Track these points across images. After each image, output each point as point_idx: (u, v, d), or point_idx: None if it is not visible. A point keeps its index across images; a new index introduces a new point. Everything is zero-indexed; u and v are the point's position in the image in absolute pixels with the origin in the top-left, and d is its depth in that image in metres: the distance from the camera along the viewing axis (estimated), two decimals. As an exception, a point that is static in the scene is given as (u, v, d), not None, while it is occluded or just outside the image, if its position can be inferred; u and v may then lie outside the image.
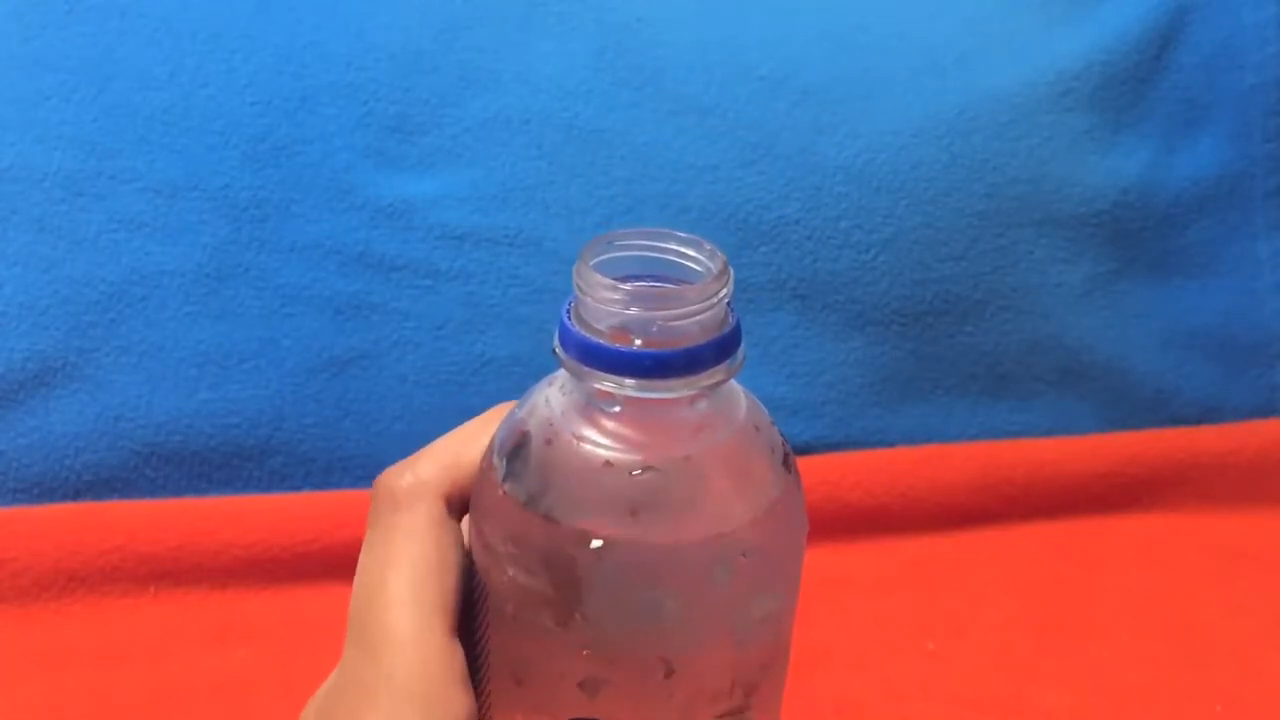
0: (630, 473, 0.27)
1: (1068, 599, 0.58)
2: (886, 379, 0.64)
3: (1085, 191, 0.65)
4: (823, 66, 0.64)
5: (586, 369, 0.26)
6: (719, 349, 0.27)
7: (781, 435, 0.30)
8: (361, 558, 0.30)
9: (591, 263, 0.27)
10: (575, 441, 0.27)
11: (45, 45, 0.60)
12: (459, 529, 0.30)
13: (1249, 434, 0.65)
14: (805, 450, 0.63)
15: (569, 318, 0.27)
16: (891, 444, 0.64)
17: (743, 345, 0.27)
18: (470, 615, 0.30)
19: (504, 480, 0.28)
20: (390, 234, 0.61)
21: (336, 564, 0.56)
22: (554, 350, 0.27)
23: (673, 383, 0.26)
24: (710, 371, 0.26)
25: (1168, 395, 0.67)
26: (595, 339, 0.26)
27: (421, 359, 0.61)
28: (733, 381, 0.28)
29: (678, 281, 0.27)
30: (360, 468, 0.61)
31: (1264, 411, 0.67)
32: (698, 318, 0.26)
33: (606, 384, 0.26)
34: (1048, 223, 0.65)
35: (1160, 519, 0.63)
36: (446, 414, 0.61)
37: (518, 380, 0.62)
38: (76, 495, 0.58)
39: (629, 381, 0.26)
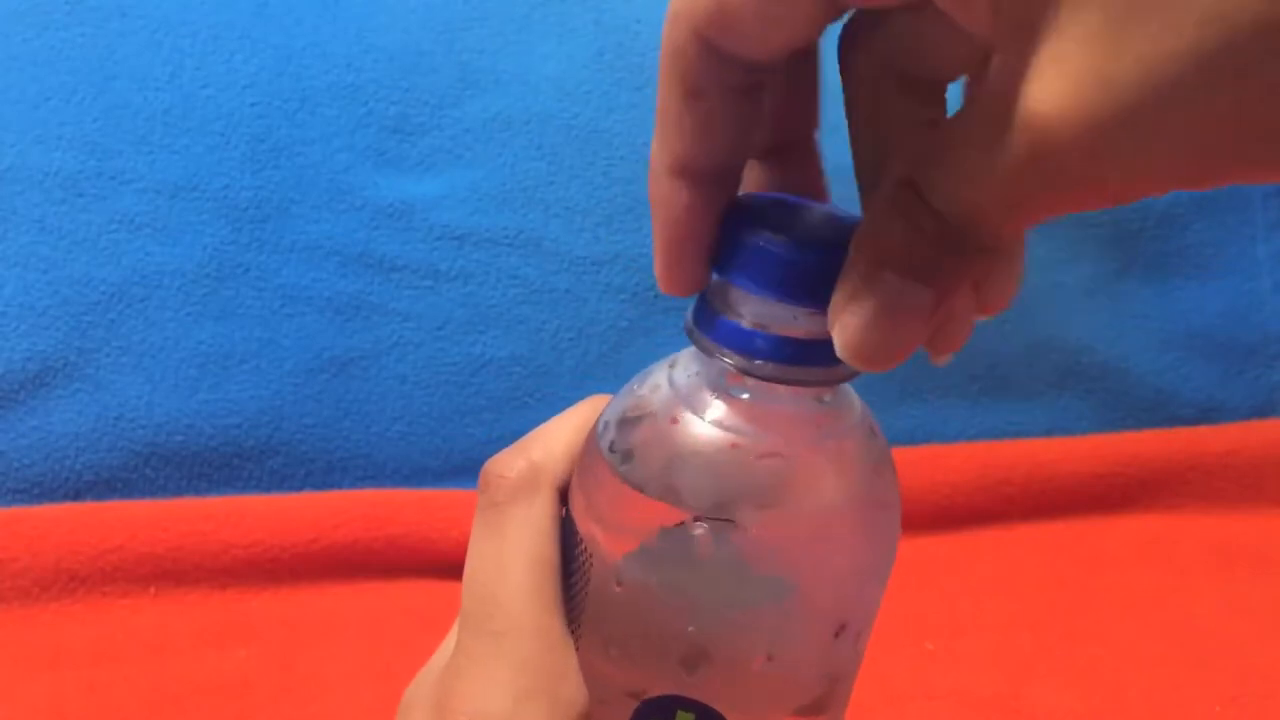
0: (756, 457, 0.27)
1: (1067, 599, 0.58)
2: (886, 379, 0.64)
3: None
4: (822, 68, 0.64)
5: (724, 351, 0.26)
6: None
7: (884, 439, 0.30)
8: (474, 544, 0.30)
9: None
10: (702, 422, 0.27)
11: (46, 46, 0.60)
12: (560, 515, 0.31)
13: (1248, 434, 0.65)
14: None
15: (707, 299, 0.27)
16: (891, 444, 0.64)
17: None
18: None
19: (623, 457, 0.28)
20: (390, 234, 0.61)
21: (336, 564, 0.56)
22: (687, 329, 0.27)
23: (808, 373, 0.26)
24: (843, 367, 0.26)
25: (1167, 395, 0.67)
26: (737, 322, 0.26)
27: (421, 359, 0.61)
28: (848, 388, 0.28)
29: None
30: (360, 468, 0.61)
31: (1263, 412, 0.67)
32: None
33: (742, 367, 0.26)
34: (1047, 223, 0.65)
35: (1159, 519, 0.63)
36: (446, 414, 0.61)
37: (517, 380, 0.62)
38: (77, 495, 0.58)
39: (766, 367, 0.26)
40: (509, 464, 0.30)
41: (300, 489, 0.60)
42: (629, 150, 0.62)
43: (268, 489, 0.60)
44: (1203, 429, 0.66)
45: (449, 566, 0.57)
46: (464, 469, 0.62)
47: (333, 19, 0.62)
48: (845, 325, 0.22)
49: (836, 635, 0.28)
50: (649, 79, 0.63)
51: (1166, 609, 0.58)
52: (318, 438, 0.60)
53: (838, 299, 0.22)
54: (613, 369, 0.62)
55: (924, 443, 0.64)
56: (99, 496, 0.58)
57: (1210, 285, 0.67)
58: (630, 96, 0.63)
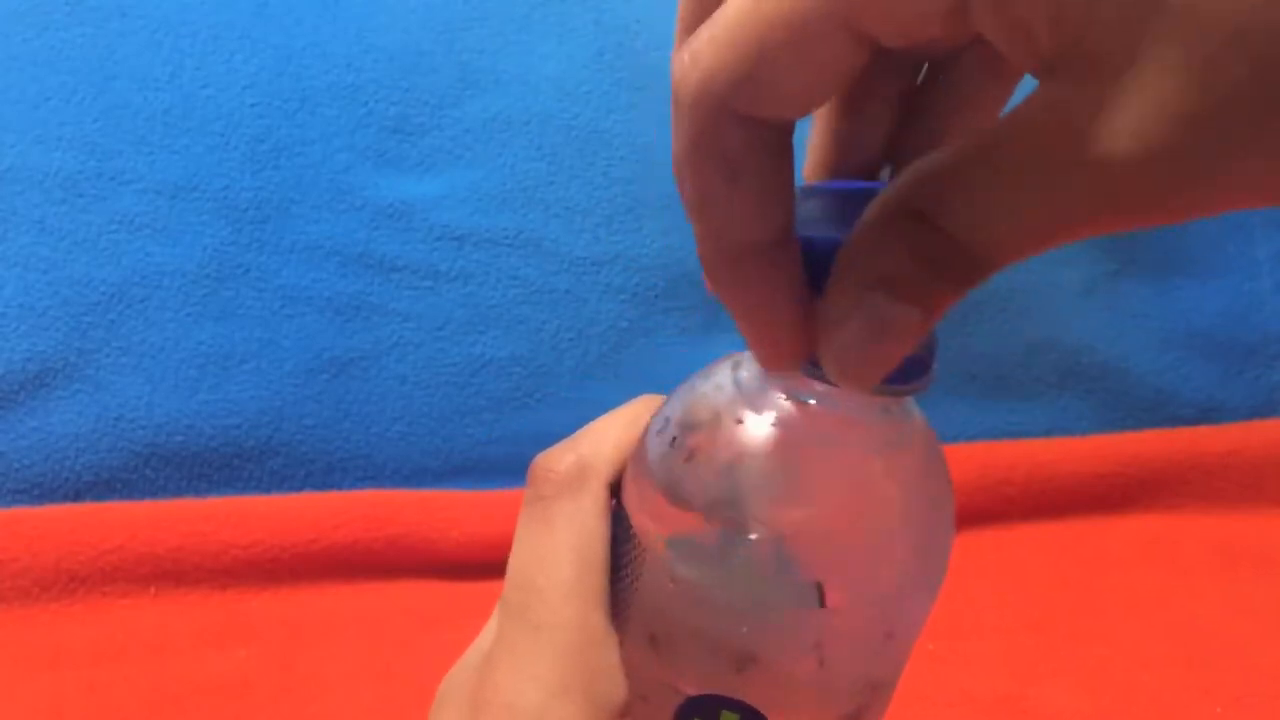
0: (817, 462, 0.27)
1: (1068, 599, 0.58)
2: (886, 379, 0.64)
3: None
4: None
5: None
6: (922, 360, 0.27)
7: (940, 450, 0.30)
8: (520, 535, 0.30)
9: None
10: (765, 425, 0.27)
11: (46, 46, 0.60)
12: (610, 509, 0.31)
13: (1248, 434, 0.65)
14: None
15: None
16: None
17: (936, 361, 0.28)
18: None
19: (683, 454, 0.28)
20: (390, 235, 0.61)
21: (336, 564, 0.56)
22: None
23: (880, 385, 0.26)
24: (913, 381, 0.27)
25: (1167, 395, 0.67)
26: None
27: (421, 359, 0.61)
28: (912, 400, 0.29)
29: None
30: (360, 468, 0.61)
31: (1263, 411, 0.67)
32: None
33: (809, 372, 0.25)
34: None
35: (1159, 519, 0.63)
36: (446, 414, 0.61)
37: (517, 381, 0.62)
38: (77, 496, 0.58)
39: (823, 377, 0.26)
40: (558, 459, 0.30)
41: (300, 489, 0.60)
42: (629, 151, 0.62)
43: (268, 489, 0.60)
44: (1203, 429, 0.66)
45: (449, 567, 0.57)
46: (464, 469, 0.62)
47: (333, 19, 0.62)
48: (834, 346, 0.22)
49: (884, 643, 0.29)
50: (649, 79, 0.63)
51: (1168, 609, 0.58)
52: (318, 438, 0.60)
53: (826, 318, 0.22)
54: (613, 369, 0.62)
55: (924, 443, 0.64)
56: (99, 497, 0.58)
57: (1210, 285, 0.67)
58: (630, 97, 0.63)
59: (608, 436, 0.31)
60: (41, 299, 0.58)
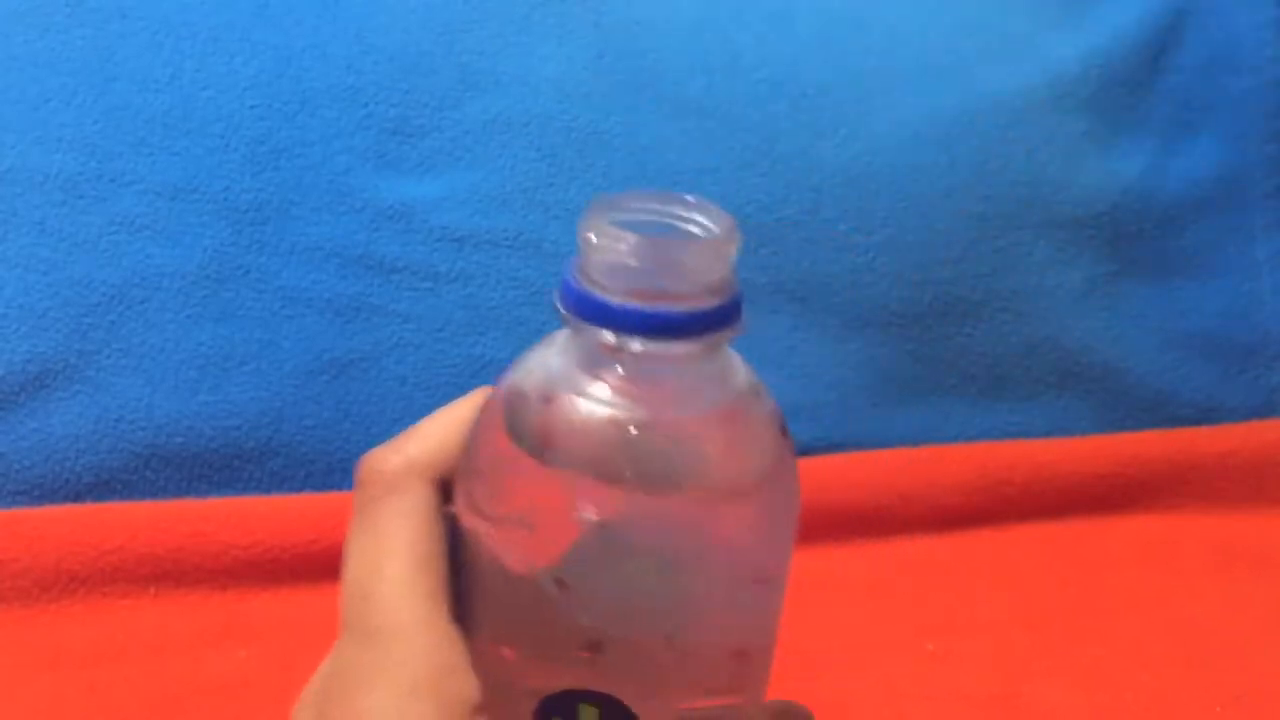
0: (632, 430, 0.26)
1: (1067, 599, 0.58)
2: (886, 380, 0.64)
3: (1084, 193, 0.65)
4: (821, 69, 0.64)
5: (590, 325, 0.26)
6: (727, 310, 0.26)
7: (776, 404, 0.29)
8: (350, 543, 0.29)
9: (598, 218, 0.27)
10: (576, 399, 0.26)
11: (46, 48, 0.60)
12: (445, 512, 0.30)
13: (1247, 435, 0.65)
14: (805, 451, 0.63)
15: (572, 273, 0.27)
16: (891, 445, 0.64)
17: (744, 309, 0.27)
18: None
19: (505, 444, 0.27)
20: (390, 236, 0.61)
21: (336, 564, 0.56)
22: (555, 306, 0.27)
23: (681, 343, 0.26)
24: (718, 333, 0.26)
25: (1166, 396, 0.67)
26: (601, 295, 0.26)
27: (421, 361, 0.61)
28: (731, 350, 0.28)
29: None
30: (360, 469, 0.61)
31: (1262, 412, 0.67)
32: (707, 276, 0.26)
33: (611, 341, 0.26)
34: (1046, 224, 0.65)
35: (1159, 519, 0.63)
36: (446, 415, 0.61)
37: (517, 381, 0.62)
38: (77, 497, 0.58)
39: (635, 339, 0.25)
40: (383, 459, 0.29)
41: (300, 490, 0.60)
42: (629, 151, 0.62)
43: (268, 490, 0.60)
44: (1203, 429, 0.66)
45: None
46: (464, 470, 0.62)
47: (333, 20, 0.62)
48: None
49: (740, 608, 0.28)
50: (648, 81, 0.63)
51: (1167, 609, 0.58)
52: (318, 439, 0.60)
53: None
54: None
55: (924, 443, 0.64)
56: (99, 498, 0.58)
57: (1210, 285, 0.67)
58: (630, 98, 0.63)
59: (434, 433, 0.30)
60: (41, 300, 0.58)
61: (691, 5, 0.65)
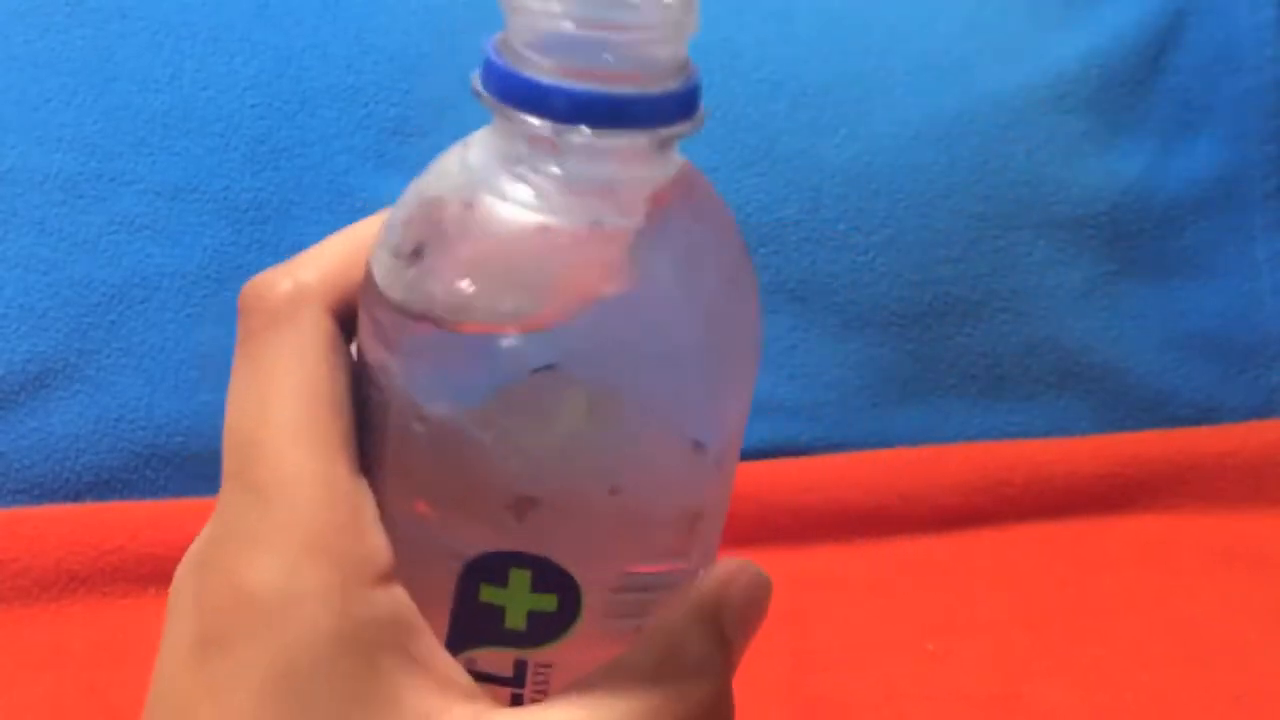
0: (572, 240, 0.22)
1: (1067, 599, 0.58)
2: (885, 380, 0.64)
3: (1083, 193, 0.65)
4: (821, 69, 0.64)
5: (519, 112, 0.22)
6: (685, 95, 0.23)
7: (739, 229, 0.26)
8: (233, 384, 0.25)
9: None
10: (503, 204, 0.22)
11: (46, 47, 0.60)
12: (348, 345, 0.25)
13: (1247, 435, 0.65)
14: (805, 451, 0.63)
15: (497, 50, 0.22)
16: (890, 445, 0.64)
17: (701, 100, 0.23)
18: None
19: (410, 260, 0.23)
20: (390, 235, 0.61)
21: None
22: (475, 91, 0.23)
23: (632, 133, 0.22)
24: (677, 123, 0.22)
25: (1166, 396, 0.67)
26: (533, 73, 0.22)
27: (421, 360, 0.61)
28: (683, 156, 0.24)
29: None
30: (360, 469, 0.61)
31: (1262, 412, 0.67)
32: (663, 51, 0.22)
33: (546, 131, 0.21)
34: (1046, 224, 0.65)
35: (1158, 520, 0.63)
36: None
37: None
38: (77, 496, 0.58)
39: (576, 127, 0.21)
40: (271, 283, 0.25)
41: (300, 490, 0.60)
42: (628, 151, 0.62)
43: (268, 490, 0.60)
44: (1203, 429, 0.66)
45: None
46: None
47: (333, 20, 0.62)
48: None
49: (692, 455, 0.24)
50: (648, 80, 0.63)
51: (1166, 609, 0.58)
52: (318, 439, 0.60)
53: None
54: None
55: (924, 443, 0.64)
56: (99, 497, 0.58)
57: (1210, 285, 0.67)
58: (630, 98, 0.63)
59: (332, 254, 0.25)
60: (41, 300, 0.58)
61: (691, 5, 0.65)
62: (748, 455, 0.66)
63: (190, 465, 0.59)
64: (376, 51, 0.62)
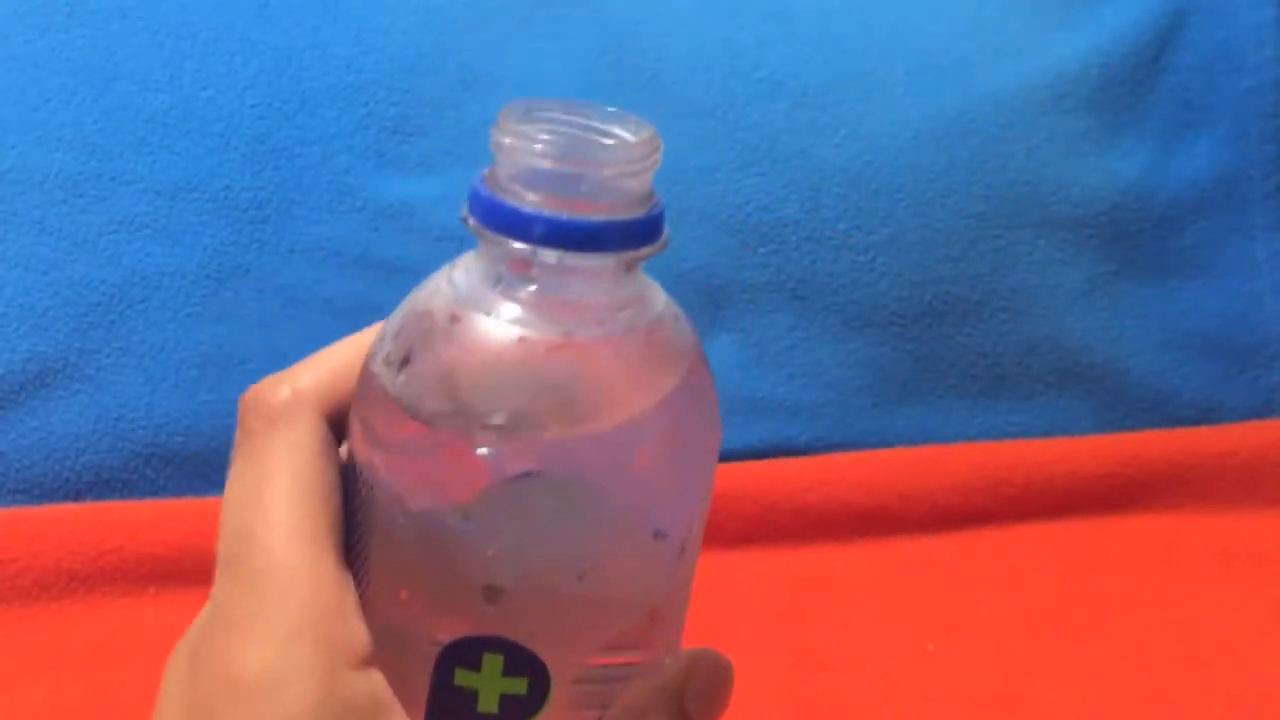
0: (546, 351, 0.24)
1: (1066, 599, 0.58)
2: (885, 380, 0.64)
3: (1083, 193, 0.65)
4: (822, 69, 0.64)
5: (500, 236, 0.24)
6: (650, 223, 0.25)
7: (694, 329, 0.28)
8: (231, 479, 0.27)
9: (511, 120, 0.25)
10: (485, 316, 0.24)
11: (46, 48, 0.60)
12: (339, 447, 0.27)
13: (1247, 435, 0.65)
14: (805, 451, 0.63)
15: (483, 183, 0.25)
16: (890, 444, 0.64)
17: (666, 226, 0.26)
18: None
19: (401, 366, 0.25)
20: (390, 235, 0.61)
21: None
22: (463, 218, 0.25)
23: (600, 256, 0.24)
24: (641, 247, 0.24)
25: (1166, 396, 0.67)
26: (515, 202, 0.24)
27: (421, 360, 0.61)
28: (647, 275, 0.26)
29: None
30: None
31: (1261, 412, 0.67)
32: (629, 184, 0.24)
33: (523, 252, 0.24)
34: (1046, 224, 0.65)
35: (1158, 519, 0.63)
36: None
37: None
38: (77, 496, 0.58)
39: (550, 250, 0.24)
40: (270, 390, 0.27)
41: (300, 490, 0.60)
42: (629, 151, 0.63)
43: (268, 490, 0.60)
44: (1203, 429, 0.66)
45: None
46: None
47: (333, 20, 0.62)
48: None
49: (656, 546, 0.26)
50: (649, 79, 0.63)
51: (1166, 609, 0.58)
52: (318, 438, 0.60)
53: None
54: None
55: (924, 443, 0.64)
56: (99, 497, 0.58)
57: (1209, 285, 0.67)
58: (631, 97, 0.63)
59: (328, 362, 0.28)
60: (41, 299, 0.58)
61: (691, 5, 0.65)
62: (748, 455, 0.67)
63: (190, 465, 0.59)
64: (376, 51, 0.62)
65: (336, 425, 0.27)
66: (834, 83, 0.64)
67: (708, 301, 0.61)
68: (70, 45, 0.60)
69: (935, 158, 0.64)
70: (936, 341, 0.64)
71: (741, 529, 0.59)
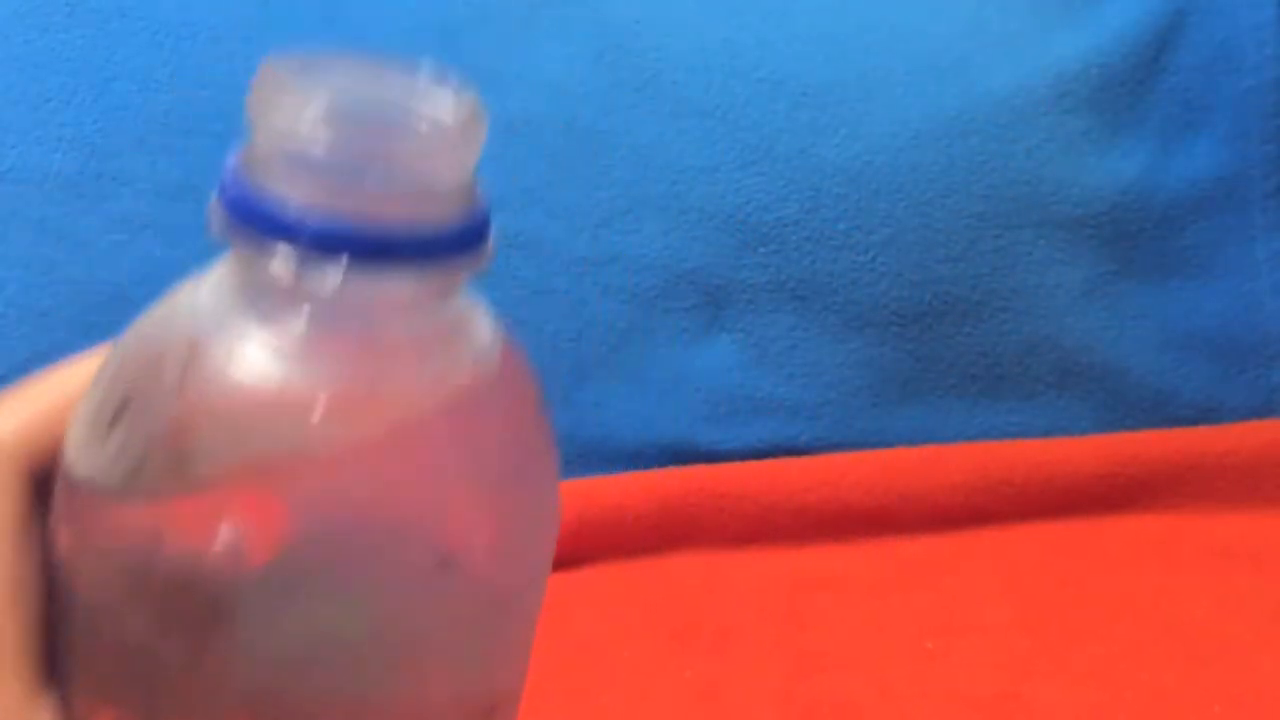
0: (316, 406, 0.17)
1: (1066, 599, 0.58)
2: (885, 380, 0.64)
3: (1083, 193, 0.65)
4: (822, 68, 0.64)
5: (260, 239, 0.17)
6: (470, 231, 0.18)
7: (538, 382, 0.21)
8: None
9: (280, 82, 0.17)
10: (233, 357, 0.17)
11: (46, 47, 0.60)
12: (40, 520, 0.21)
13: (1247, 435, 0.65)
14: (805, 450, 0.63)
15: (235, 165, 0.18)
16: (890, 444, 0.64)
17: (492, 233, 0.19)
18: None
19: (110, 427, 0.18)
20: (390, 235, 0.61)
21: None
22: (209, 211, 0.18)
23: (399, 276, 0.17)
24: (456, 262, 0.18)
25: (1166, 396, 0.67)
26: (275, 198, 0.17)
27: (421, 360, 0.61)
28: (474, 298, 0.20)
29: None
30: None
31: (1262, 412, 0.67)
32: (442, 176, 0.18)
33: (289, 271, 0.17)
34: (1046, 224, 0.65)
35: (1158, 519, 0.63)
36: (446, 415, 0.61)
37: (517, 381, 0.62)
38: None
39: (327, 268, 0.17)
40: None
41: (300, 490, 0.60)
42: (629, 151, 0.62)
43: (268, 490, 0.60)
44: (1202, 429, 0.66)
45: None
46: (464, 470, 0.62)
47: (333, 20, 0.62)
48: None
49: (458, 672, 0.19)
50: (649, 79, 0.63)
51: (1166, 609, 0.58)
52: (318, 438, 0.60)
53: None
54: (611, 370, 0.62)
55: (923, 443, 0.64)
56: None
57: (1209, 285, 0.67)
58: (631, 97, 0.63)
59: (35, 402, 0.21)
60: (42, 299, 0.58)
61: (691, 5, 0.65)
62: (748, 455, 0.67)
63: (190, 465, 0.59)
64: (376, 51, 0.62)
65: (44, 482, 0.21)
66: (834, 83, 0.64)
67: (707, 301, 0.61)
68: (70, 45, 0.60)
69: (935, 158, 0.64)
70: (936, 341, 0.64)
71: (741, 529, 0.59)
